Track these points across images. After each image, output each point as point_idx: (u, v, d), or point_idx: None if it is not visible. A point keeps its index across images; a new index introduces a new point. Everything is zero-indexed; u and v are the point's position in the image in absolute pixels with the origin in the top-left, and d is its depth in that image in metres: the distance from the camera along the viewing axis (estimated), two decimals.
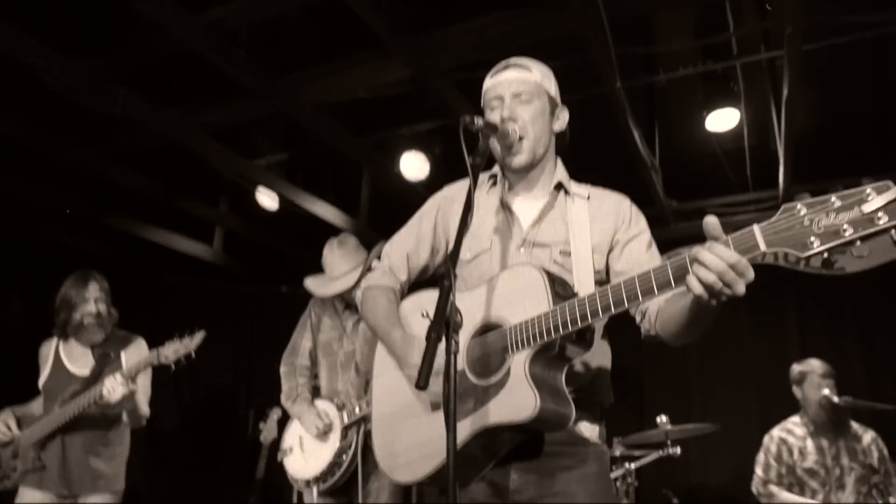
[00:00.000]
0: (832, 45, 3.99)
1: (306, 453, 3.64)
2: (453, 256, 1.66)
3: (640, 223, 2.03)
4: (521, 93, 2.00)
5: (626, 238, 1.97)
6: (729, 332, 5.47)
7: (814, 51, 3.91)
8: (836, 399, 4.10)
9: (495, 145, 1.99)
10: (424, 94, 4.42)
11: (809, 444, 4.26)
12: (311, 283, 3.74)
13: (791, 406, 4.44)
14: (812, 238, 1.31)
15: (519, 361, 1.72)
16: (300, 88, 4.28)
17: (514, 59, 2.06)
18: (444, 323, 1.52)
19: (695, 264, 1.45)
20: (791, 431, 4.35)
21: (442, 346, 1.51)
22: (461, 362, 1.84)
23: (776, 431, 4.39)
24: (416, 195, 5.49)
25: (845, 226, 1.28)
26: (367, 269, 3.46)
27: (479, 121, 1.86)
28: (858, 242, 1.28)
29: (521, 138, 1.97)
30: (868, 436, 4.25)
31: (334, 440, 3.53)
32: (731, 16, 4.12)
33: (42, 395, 3.63)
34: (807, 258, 1.32)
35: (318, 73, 4.23)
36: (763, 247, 1.38)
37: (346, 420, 3.51)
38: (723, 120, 4.58)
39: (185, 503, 6.39)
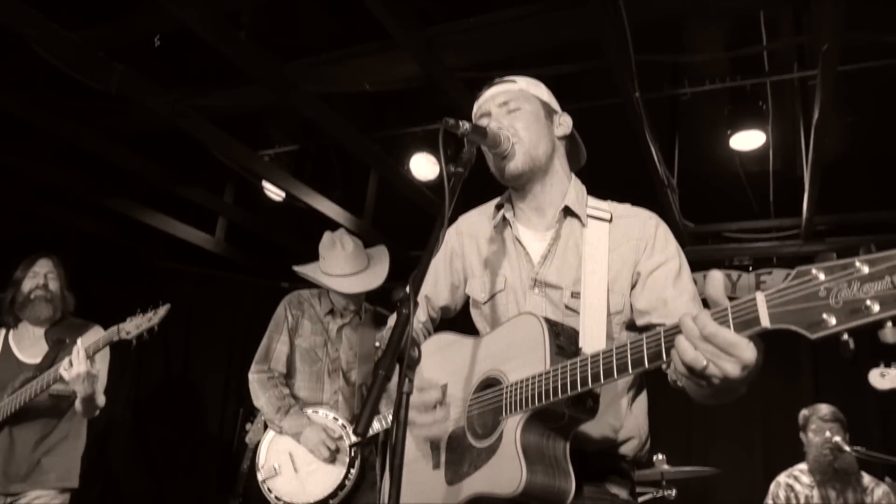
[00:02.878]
0: (869, 68, 3.74)
1: (302, 474, 3.30)
2: (416, 280, 1.43)
3: (668, 249, 1.75)
4: (507, 101, 1.84)
5: (648, 269, 1.72)
6: None
7: (849, 72, 3.67)
8: (846, 447, 3.83)
9: (490, 158, 1.83)
10: (438, 93, 4.23)
11: (816, 493, 4.03)
12: (333, 282, 3.52)
13: (798, 448, 4.20)
14: (826, 315, 1.05)
15: (511, 426, 1.53)
16: (303, 77, 4.10)
17: (497, 79, 1.93)
18: (397, 358, 1.30)
19: (677, 335, 1.22)
20: (798, 479, 4.12)
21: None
22: (462, 418, 1.67)
23: (783, 478, 4.16)
24: (424, 197, 5.31)
25: (869, 301, 1.01)
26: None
27: (464, 124, 1.66)
28: (889, 324, 1.00)
29: (513, 144, 1.78)
30: (880, 490, 3.99)
31: (342, 461, 3.24)
32: (764, 29, 3.88)
33: None
34: (819, 340, 1.07)
35: (322, 61, 4.06)
36: (766, 322, 1.13)
37: (354, 438, 3.26)
38: (748, 140, 4.35)
39: (165, 500, 6.21)
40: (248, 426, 5.70)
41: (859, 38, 3.40)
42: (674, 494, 3.91)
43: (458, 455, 1.65)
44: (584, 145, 1.99)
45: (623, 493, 1.72)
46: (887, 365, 3.16)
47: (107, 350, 3.30)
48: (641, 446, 1.77)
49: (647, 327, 1.39)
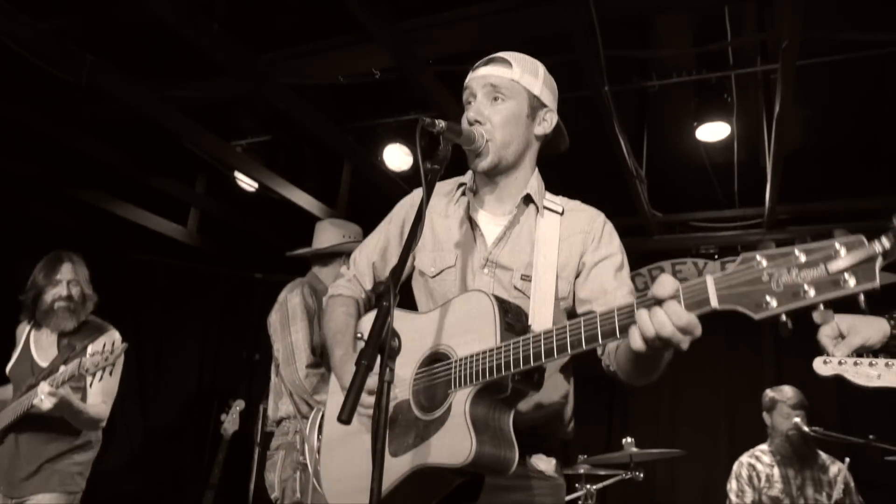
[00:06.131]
0: (828, 63, 3.88)
1: None
2: (396, 273, 1.48)
3: (612, 244, 1.85)
4: (494, 91, 1.83)
5: (593, 261, 1.81)
6: (703, 354, 5.34)
7: (809, 67, 3.79)
8: (805, 429, 3.99)
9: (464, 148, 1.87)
10: (411, 84, 4.27)
11: (776, 472, 4.19)
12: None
13: (761, 431, 4.34)
14: (768, 297, 1.15)
15: (460, 399, 1.57)
16: (276, 68, 4.11)
17: (500, 54, 1.87)
18: (379, 349, 1.36)
19: (641, 311, 1.31)
20: (759, 458, 4.29)
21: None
22: (407, 392, 1.71)
23: (745, 458, 4.32)
24: (398, 188, 5.35)
25: (806, 286, 1.11)
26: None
27: (440, 123, 1.69)
28: (822, 307, 1.12)
29: (487, 142, 1.82)
30: (835, 467, 4.16)
31: None
32: (729, 25, 3.99)
33: (11, 381, 3.44)
34: (762, 320, 1.17)
35: (296, 53, 4.07)
36: (714, 303, 1.23)
37: None
38: (713, 131, 4.47)
39: (139, 493, 6.19)
40: (222, 417, 5.72)
41: (817, 34, 3.52)
42: (641, 476, 4.03)
43: (402, 428, 1.68)
44: (566, 139, 2.01)
45: (549, 470, 1.80)
46: (829, 353, 3.35)
47: (119, 362, 3.25)
48: (567, 423, 1.87)
49: (587, 314, 1.48)
